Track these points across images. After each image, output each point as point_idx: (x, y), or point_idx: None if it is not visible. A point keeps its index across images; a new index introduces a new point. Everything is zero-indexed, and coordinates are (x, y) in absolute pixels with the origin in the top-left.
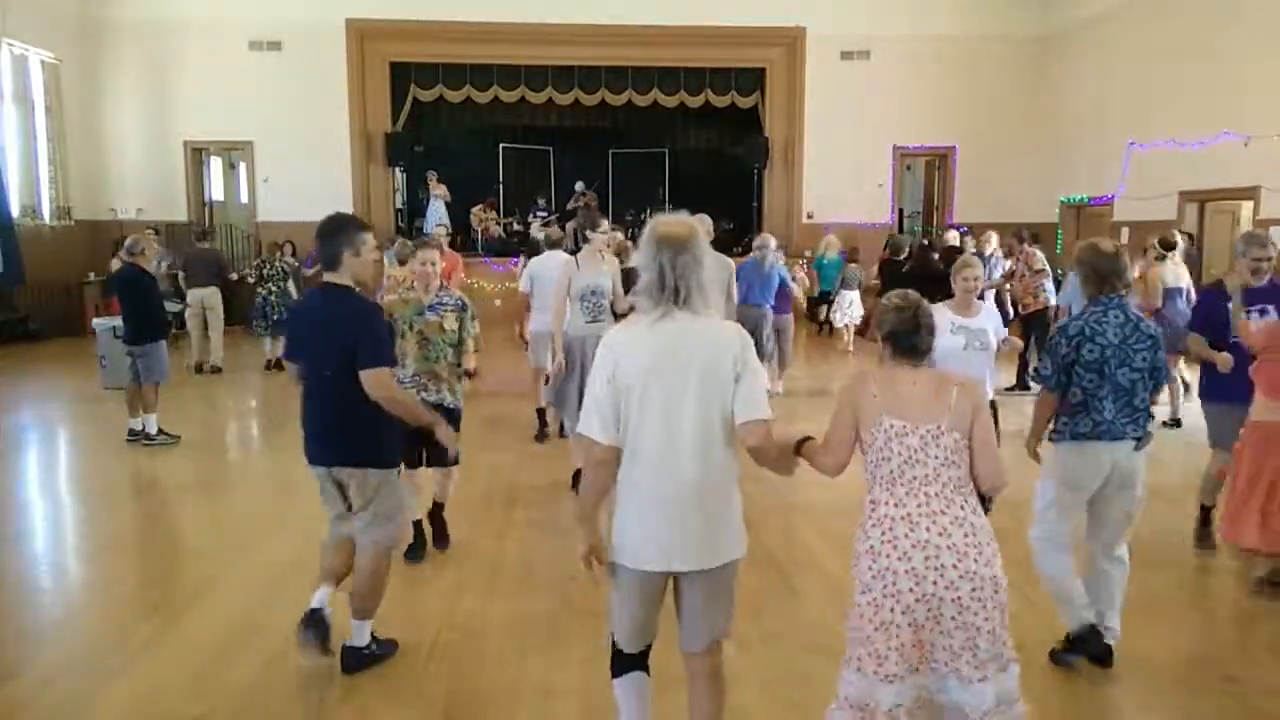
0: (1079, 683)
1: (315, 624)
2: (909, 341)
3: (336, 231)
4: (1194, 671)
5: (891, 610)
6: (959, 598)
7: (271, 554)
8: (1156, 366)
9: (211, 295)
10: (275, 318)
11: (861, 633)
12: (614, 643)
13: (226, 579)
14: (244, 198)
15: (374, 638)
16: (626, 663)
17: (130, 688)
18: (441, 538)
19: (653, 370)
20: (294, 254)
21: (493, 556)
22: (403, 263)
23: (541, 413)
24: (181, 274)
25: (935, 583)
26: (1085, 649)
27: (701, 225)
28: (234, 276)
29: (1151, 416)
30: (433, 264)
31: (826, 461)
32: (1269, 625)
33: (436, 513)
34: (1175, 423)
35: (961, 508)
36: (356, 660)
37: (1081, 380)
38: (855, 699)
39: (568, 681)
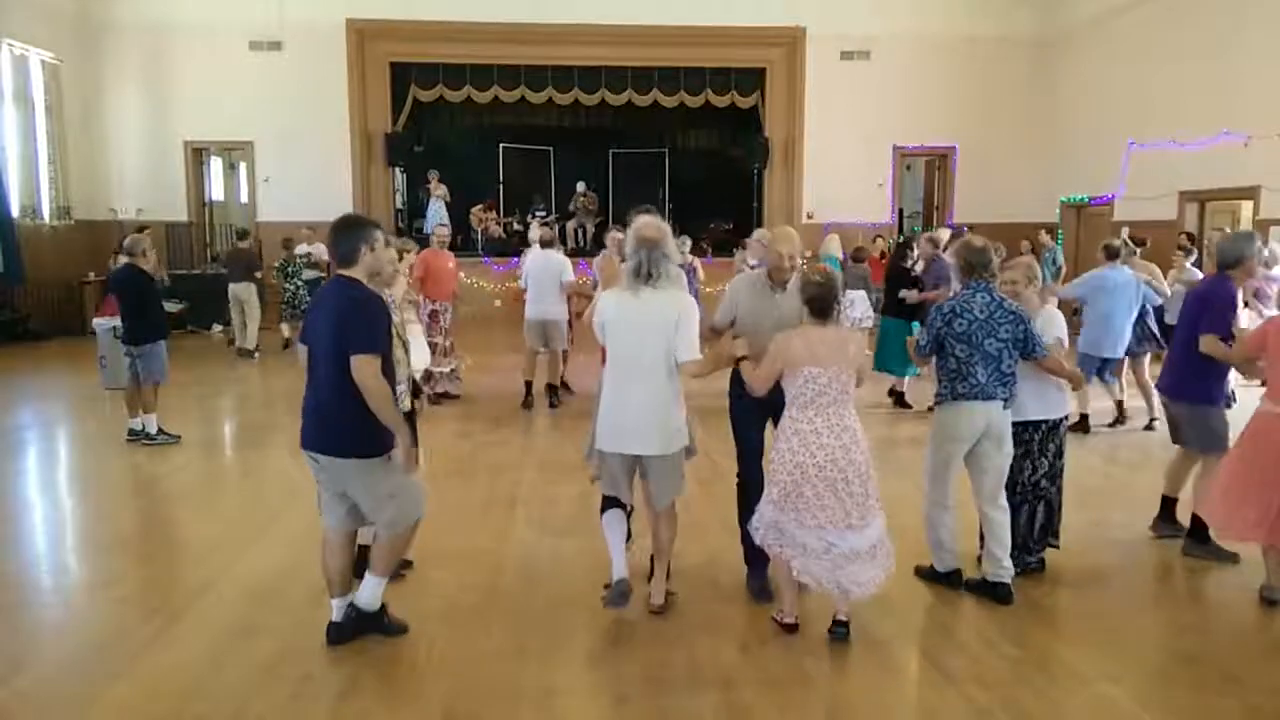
0: (1078, 682)
1: (339, 636)
2: (822, 307)
3: (353, 229)
4: (1194, 671)
5: (804, 490)
6: (846, 477)
7: (271, 554)
8: (1018, 339)
9: (245, 290)
10: (302, 308)
11: (787, 498)
12: (603, 495)
13: (226, 579)
14: (244, 198)
15: (385, 611)
16: (608, 503)
17: (130, 688)
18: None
19: (624, 321)
20: (260, 253)
21: (493, 556)
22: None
23: (529, 385)
24: (224, 270)
25: (831, 469)
26: (948, 583)
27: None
28: (259, 274)
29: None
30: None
31: (756, 388)
32: (1269, 625)
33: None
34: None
35: (848, 418)
36: (350, 615)
37: (955, 349)
38: (782, 531)
39: (568, 681)
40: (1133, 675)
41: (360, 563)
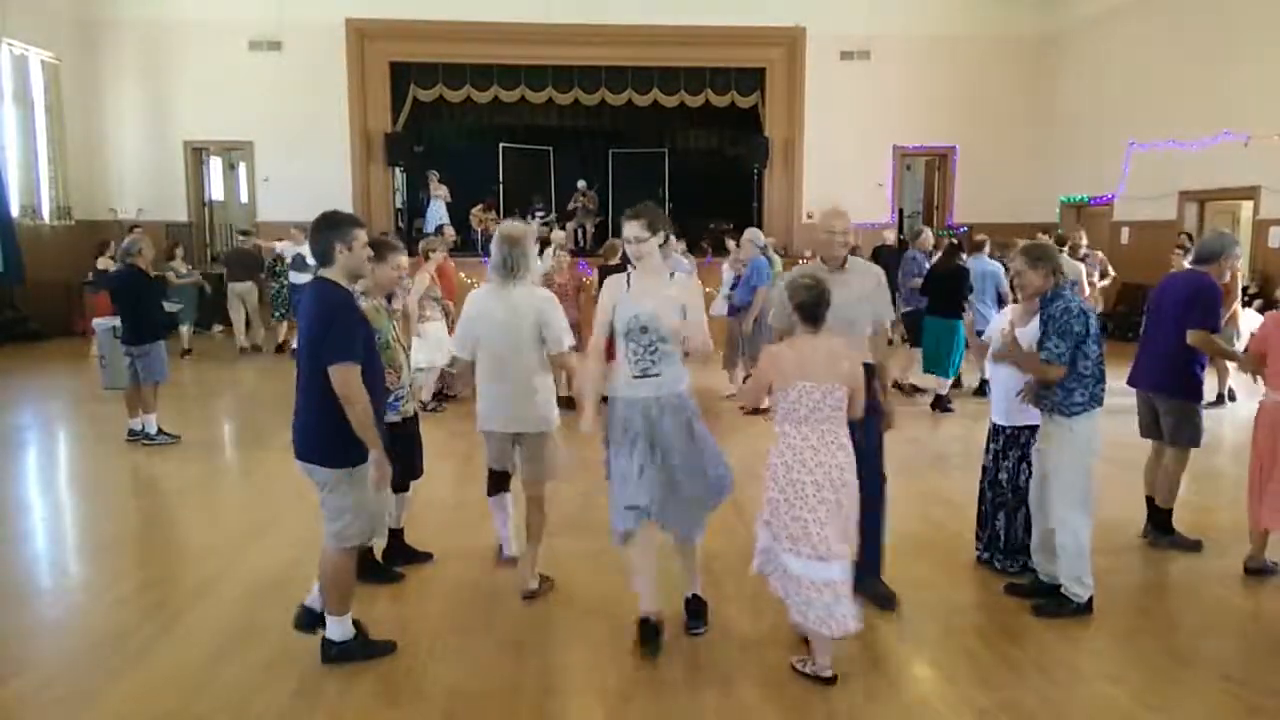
0: (1078, 682)
1: (302, 622)
2: (814, 313)
3: (329, 227)
4: (1194, 671)
5: (801, 508)
6: (840, 499)
7: (271, 554)
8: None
9: (249, 290)
10: (289, 307)
11: (780, 520)
12: (488, 469)
13: (226, 579)
14: (244, 198)
15: (361, 632)
16: (495, 483)
17: (130, 687)
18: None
19: (493, 316)
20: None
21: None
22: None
23: None
24: (225, 270)
25: (830, 487)
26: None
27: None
28: (262, 275)
29: None
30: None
31: (744, 402)
32: (1269, 625)
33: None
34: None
35: (844, 436)
36: (331, 653)
37: (1092, 352)
38: (774, 561)
39: (568, 681)
40: (1133, 675)
41: (368, 562)
